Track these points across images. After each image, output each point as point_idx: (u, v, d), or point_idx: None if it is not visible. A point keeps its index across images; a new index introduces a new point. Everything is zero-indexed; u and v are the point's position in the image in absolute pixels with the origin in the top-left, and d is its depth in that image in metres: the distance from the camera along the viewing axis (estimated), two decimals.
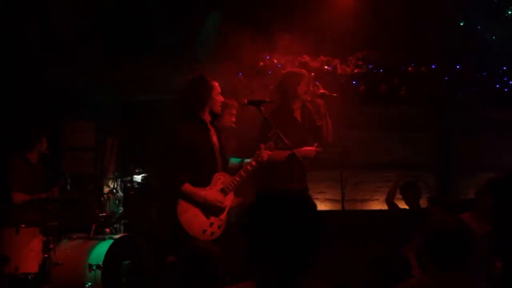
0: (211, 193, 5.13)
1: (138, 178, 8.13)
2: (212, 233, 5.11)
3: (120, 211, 7.76)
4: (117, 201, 7.78)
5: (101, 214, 6.99)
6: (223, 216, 5.20)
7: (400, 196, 7.67)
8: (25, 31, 8.14)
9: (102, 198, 7.21)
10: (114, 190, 8.10)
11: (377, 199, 9.50)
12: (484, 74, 9.41)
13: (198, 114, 5.25)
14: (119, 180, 8.52)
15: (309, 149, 6.13)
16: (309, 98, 6.28)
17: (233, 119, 6.36)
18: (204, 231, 5.07)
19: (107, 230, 7.08)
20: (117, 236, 6.67)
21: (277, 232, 2.16)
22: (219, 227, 5.16)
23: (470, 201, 8.41)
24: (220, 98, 5.43)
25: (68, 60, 8.32)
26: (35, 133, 7.25)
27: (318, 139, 6.27)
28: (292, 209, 2.19)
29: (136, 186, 7.96)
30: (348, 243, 6.91)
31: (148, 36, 8.61)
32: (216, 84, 5.36)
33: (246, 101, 5.70)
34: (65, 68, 8.27)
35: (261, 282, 2.19)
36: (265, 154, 5.35)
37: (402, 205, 7.70)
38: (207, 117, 5.31)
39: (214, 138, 5.35)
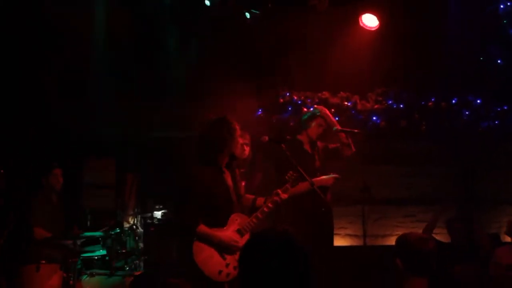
0: (226, 234, 5.09)
1: (158, 214, 8.13)
2: (228, 274, 5.04)
3: (140, 248, 7.75)
4: (137, 238, 7.77)
5: (121, 251, 6.98)
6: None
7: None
8: (43, 70, 8.26)
9: (122, 235, 7.20)
10: (134, 227, 8.11)
11: (398, 234, 9.39)
12: (505, 108, 9.36)
13: (216, 157, 5.24)
14: (139, 216, 8.52)
15: (326, 177, 6.16)
16: (314, 139, 6.39)
17: (245, 151, 6.28)
18: (220, 272, 5.01)
19: (128, 267, 7.06)
20: (137, 273, 6.65)
21: (263, 277, 2.22)
22: (235, 268, 5.09)
23: (493, 235, 8.36)
24: (241, 141, 5.44)
25: (88, 98, 8.42)
26: (46, 164, 7.30)
27: (339, 158, 6.37)
28: (277, 255, 2.24)
29: (156, 222, 7.96)
30: (369, 279, 6.83)
31: (166, 73, 8.70)
32: (238, 126, 5.35)
33: (267, 139, 5.70)
34: (84, 106, 8.37)
35: None
36: (282, 197, 5.33)
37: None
38: (224, 160, 5.29)
39: (229, 179, 5.32)
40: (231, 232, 5.14)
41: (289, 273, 2.21)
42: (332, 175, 6.21)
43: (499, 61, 9.49)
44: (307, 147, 6.46)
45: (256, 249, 2.29)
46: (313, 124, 6.48)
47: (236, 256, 5.11)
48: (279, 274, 2.20)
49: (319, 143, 6.58)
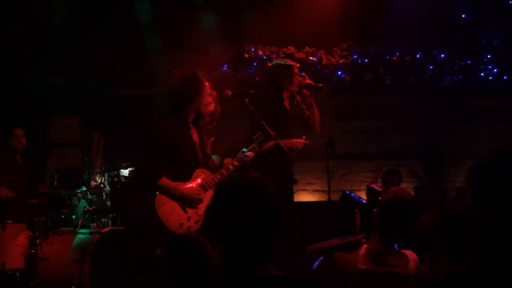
0: (189, 187, 5.13)
1: (125, 172, 8.11)
2: (189, 228, 5.09)
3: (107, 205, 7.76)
4: (104, 196, 7.77)
5: (87, 209, 6.97)
6: (201, 211, 5.18)
7: None
8: (7, 29, 8.12)
9: (88, 193, 7.18)
10: (101, 185, 8.09)
11: (364, 190, 9.50)
12: (469, 62, 9.44)
13: (182, 111, 5.25)
14: (106, 174, 8.50)
15: (298, 141, 6.16)
16: (297, 89, 6.30)
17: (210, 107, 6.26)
18: (181, 225, 5.06)
19: (94, 224, 7.06)
20: (104, 230, 6.66)
21: (233, 222, 2.26)
22: (196, 222, 5.15)
23: (458, 188, 8.50)
24: (209, 99, 5.43)
25: (53, 56, 8.30)
26: (7, 124, 7.21)
27: (306, 130, 6.31)
28: (247, 200, 2.26)
29: (123, 180, 7.94)
30: (333, 234, 6.91)
31: (134, 31, 8.60)
32: (208, 84, 5.34)
33: (230, 93, 5.70)
34: (49, 63, 8.26)
35: (226, 270, 2.28)
36: (248, 156, 5.35)
37: None
38: (190, 115, 5.30)
39: (195, 136, 5.34)
40: (194, 186, 5.17)
41: (259, 219, 2.24)
42: (303, 140, 6.20)
43: (463, 15, 9.54)
44: (286, 103, 6.38)
45: (227, 194, 2.30)
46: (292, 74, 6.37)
47: (198, 210, 5.17)
48: (249, 220, 2.23)
49: (297, 97, 6.49)
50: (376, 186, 4.19)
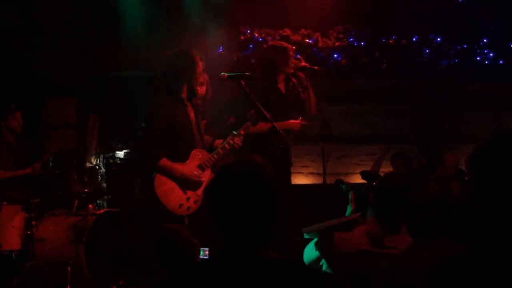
0: (188, 168, 5.15)
1: (120, 154, 8.12)
2: (189, 208, 5.13)
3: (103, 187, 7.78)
4: (99, 177, 7.78)
5: (83, 190, 6.98)
6: (200, 191, 5.22)
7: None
8: (3, 11, 8.10)
9: (84, 175, 7.19)
10: (97, 166, 8.10)
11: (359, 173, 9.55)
12: (465, 46, 9.43)
13: (177, 88, 5.25)
14: (102, 156, 8.50)
15: (294, 122, 6.19)
16: (292, 71, 6.31)
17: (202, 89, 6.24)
18: (181, 205, 5.09)
19: (90, 206, 7.07)
20: (100, 212, 6.68)
21: (232, 206, 2.25)
22: (195, 202, 5.18)
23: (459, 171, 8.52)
24: (202, 77, 5.43)
25: (48, 37, 8.28)
26: (6, 106, 7.20)
27: (302, 112, 6.32)
28: (245, 184, 2.26)
29: (119, 161, 7.96)
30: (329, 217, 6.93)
31: (128, 11, 8.56)
32: (201, 62, 5.34)
33: (226, 76, 5.69)
34: (45, 45, 8.23)
35: (223, 253, 2.28)
36: (242, 133, 5.35)
37: None
38: (185, 93, 5.30)
39: (192, 115, 5.34)
40: (192, 166, 5.19)
41: (257, 203, 2.24)
42: (300, 121, 6.22)
43: (459, 0, 9.53)
44: (281, 86, 6.39)
45: (225, 178, 2.30)
46: (288, 56, 6.37)
47: (197, 191, 5.20)
48: (248, 203, 2.23)
49: (293, 79, 6.49)
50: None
